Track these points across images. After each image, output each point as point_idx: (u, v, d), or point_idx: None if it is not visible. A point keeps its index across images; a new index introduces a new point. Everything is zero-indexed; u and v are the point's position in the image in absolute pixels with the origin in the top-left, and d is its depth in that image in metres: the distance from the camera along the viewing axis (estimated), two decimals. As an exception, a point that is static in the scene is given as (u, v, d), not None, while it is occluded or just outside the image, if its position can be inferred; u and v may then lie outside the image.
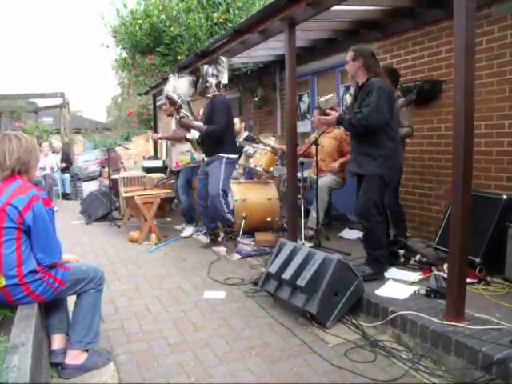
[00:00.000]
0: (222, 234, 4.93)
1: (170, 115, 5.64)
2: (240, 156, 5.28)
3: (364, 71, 3.32)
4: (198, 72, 4.90)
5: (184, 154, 5.60)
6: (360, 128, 3.24)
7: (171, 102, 4.91)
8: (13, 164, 2.25)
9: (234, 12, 8.39)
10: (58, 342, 2.43)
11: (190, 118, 4.82)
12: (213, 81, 4.54)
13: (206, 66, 4.60)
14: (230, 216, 4.57)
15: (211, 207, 4.55)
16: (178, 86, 4.89)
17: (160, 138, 6.18)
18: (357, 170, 3.41)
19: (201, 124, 4.61)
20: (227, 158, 4.53)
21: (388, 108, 3.18)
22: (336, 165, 4.95)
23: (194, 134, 4.69)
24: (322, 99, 4.66)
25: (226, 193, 4.55)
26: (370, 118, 3.15)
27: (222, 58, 4.65)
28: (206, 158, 4.72)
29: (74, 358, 2.35)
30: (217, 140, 4.50)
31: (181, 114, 4.59)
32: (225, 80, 4.61)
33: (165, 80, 7.54)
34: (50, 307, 2.44)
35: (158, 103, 10.87)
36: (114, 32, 9.64)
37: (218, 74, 4.55)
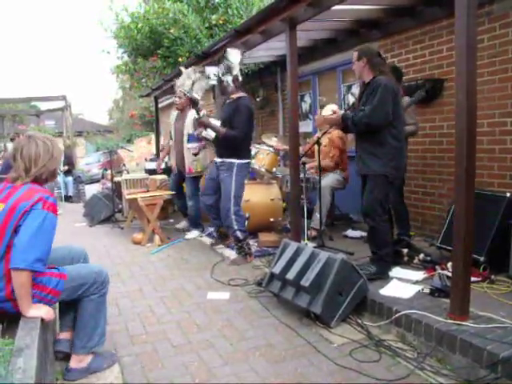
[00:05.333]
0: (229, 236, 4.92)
1: (181, 110, 5.56)
2: None
3: (369, 70, 3.33)
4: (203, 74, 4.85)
5: (198, 161, 5.47)
6: (362, 126, 3.25)
7: (193, 102, 4.71)
8: (39, 172, 2.20)
9: (233, 12, 8.41)
10: (64, 334, 2.45)
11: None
12: (228, 78, 4.32)
13: (214, 68, 4.46)
14: (238, 233, 4.34)
15: (223, 219, 4.45)
16: (190, 80, 4.82)
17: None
18: (363, 170, 3.41)
19: (219, 126, 4.40)
20: (238, 163, 4.33)
21: (393, 106, 3.19)
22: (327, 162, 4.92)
23: (210, 133, 4.45)
24: (329, 110, 4.59)
25: (237, 208, 4.34)
26: (371, 117, 3.16)
27: (229, 49, 4.35)
28: (217, 160, 4.54)
29: (79, 361, 2.33)
30: (233, 144, 4.32)
31: (201, 114, 4.45)
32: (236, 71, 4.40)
33: (166, 81, 7.55)
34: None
35: (159, 105, 10.88)
36: (114, 36, 9.66)
37: (230, 69, 4.28)
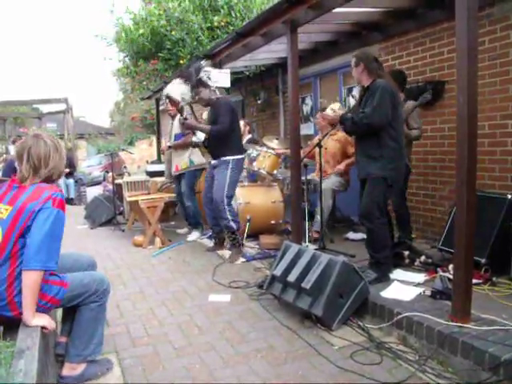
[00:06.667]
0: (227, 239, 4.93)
1: (175, 116, 5.62)
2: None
3: (367, 75, 3.36)
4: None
5: (183, 159, 5.57)
6: (362, 127, 3.27)
7: (172, 102, 4.89)
8: (49, 173, 2.16)
9: (236, 15, 8.42)
10: (64, 338, 2.42)
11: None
12: (205, 92, 4.53)
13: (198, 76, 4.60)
14: (232, 223, 4.46)
15: (215, 211, 4.54)
16: (179, 90, 4.88)
17: (170, 148, 5.86)
18: (362, 173, 3.42)
19: (205, 125, 4.58)
20: (233, 160, 4.48)
21: (391, 108, 3.20)
22: (341, 166, 4.95)
23: (199, 137, 4.63)
24: (329, 109, 4.63)
25: (230, 200, 4.49)
26: (372, 117, 3.18)
27: (202, 62, 4.72)
28: (212, 161, 4.67)
29: (71, 369, 2.26)
30: (222, 141, 4.45)
31: (184, 115, 4.55)
32: (226, 83, 4.59)
33: (166, 84, 7.58)
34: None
35: (160, 107, 10.89)
36: (115, 41, 9.68)
37: (205, 84, 4.52)
